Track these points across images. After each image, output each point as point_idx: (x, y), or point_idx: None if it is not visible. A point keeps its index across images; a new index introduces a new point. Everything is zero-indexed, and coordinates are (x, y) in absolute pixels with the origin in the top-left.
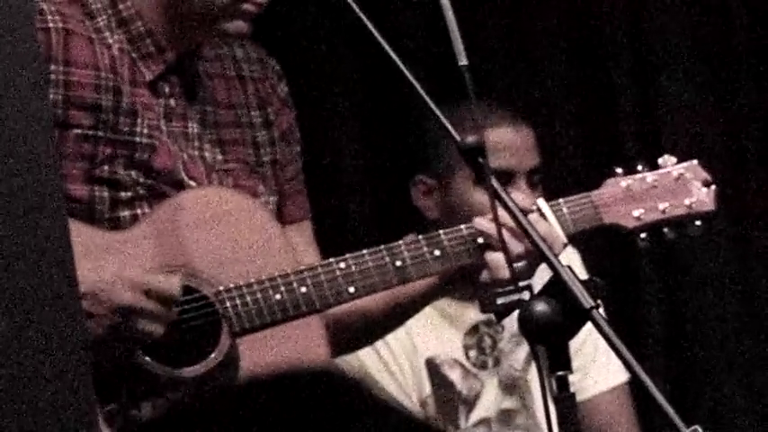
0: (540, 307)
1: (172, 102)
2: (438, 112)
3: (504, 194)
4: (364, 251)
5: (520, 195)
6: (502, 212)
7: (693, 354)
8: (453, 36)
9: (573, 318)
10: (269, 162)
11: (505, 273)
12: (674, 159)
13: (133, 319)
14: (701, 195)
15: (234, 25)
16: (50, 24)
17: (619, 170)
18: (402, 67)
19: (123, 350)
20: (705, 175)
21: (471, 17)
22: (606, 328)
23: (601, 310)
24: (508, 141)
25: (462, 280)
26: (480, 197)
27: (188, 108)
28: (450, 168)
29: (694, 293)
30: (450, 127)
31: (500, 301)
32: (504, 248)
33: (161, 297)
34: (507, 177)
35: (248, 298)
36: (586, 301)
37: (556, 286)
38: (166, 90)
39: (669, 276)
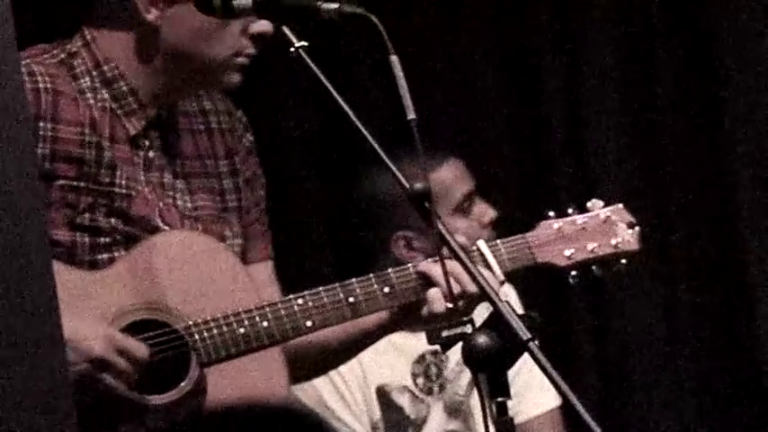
0: (482, 339)
1: (150, 154)
2: (388, 161)
3: (449, 237)
4: (320, 288)
5: (487, 208)
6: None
7: (621, 380)
8: (402, 92)
9: (511, 349)
10: (234, 208)
11: (442, 307)
12: (601, 203)
13: (102, 371)
14: (626, 236)
15: (230, 78)
16: (40, 85)
17: (551, 213)
18: (354, 119)
19: (91, 396)
20: (629, 217)
21: (412, 61)
22: (542, 358)
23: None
24: (457, 172)
25: (409, 315)
26: (461, 223)
27: (164, 159)
28: None
29: (622, 325)
30: (399, 175)
31: (445, 333)
32: (448, 287)
33: (131, 357)
34: (471, 199)
35: (215, 331)
36: (524, 333)
37: (496, 320)
38: (146, 144)
39: (598, 310)
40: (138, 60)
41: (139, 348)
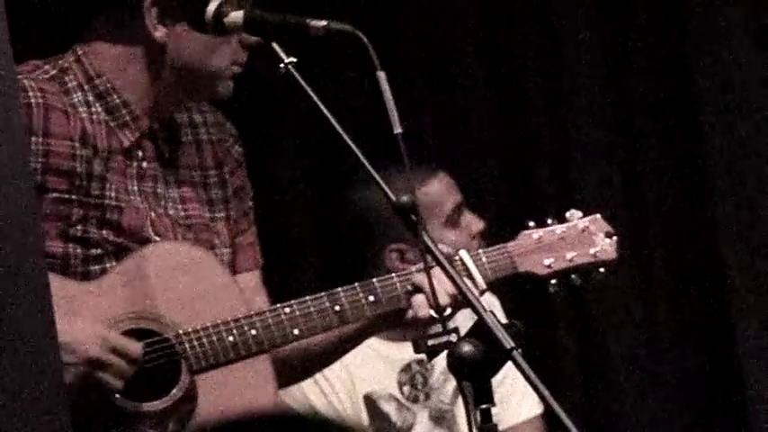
0: (467, 348)
1: (144, 164)
2: (374, 174)
3: (434, 248)
4: (307, 297)
5: (475, 219)
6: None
7: (602, 387)
8: (389, 107)
9: (495, 357)
10: (223, 218)
11: (426, 313)
12: (579, 213)
13: (99, 371)
14: (604, 245)
15: (227, 87)
16: (32, 100)
17: (531, 223)
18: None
19: (89, 397)
20: (607, 227)
21: (399, 76)
22: (525, 366)
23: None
24: (445, 185)
25: (392, 320)
26: (452, 235)
27: (157, 169)
28: None
29: (603, 334)
30: (385, 187)
31: (431, 342)
32: (433, 295)
33: (125, 356)
34: (460, 211)
35: (205, 340)
36: (507, 342)
37: (480, 329)
38: (140, 155)
39: (579, 318)
40: (137, 75)
41: (134, 347)
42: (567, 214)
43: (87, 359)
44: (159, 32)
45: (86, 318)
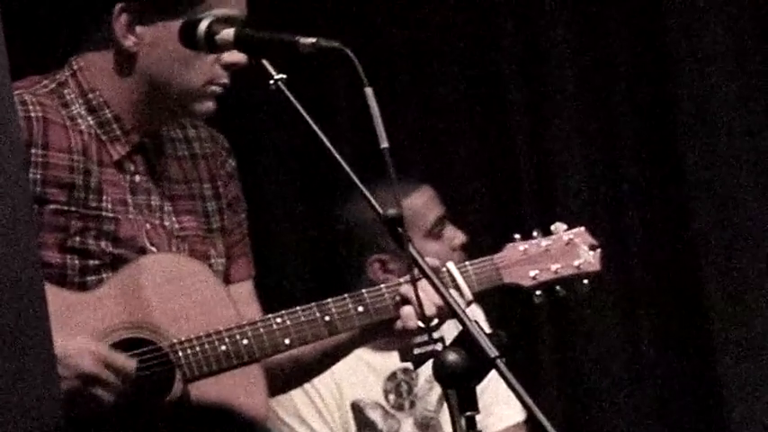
0: (452, 356)
1: (137, 178)
2: (362, 188)
3: (420, 260)
4: (298, 308)
5: (457, 232)
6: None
7: (584, 394)
8: (376, 122)
9: (480, 366)
10: (218, 229)
11: (414, 324)
12: (564, 226)
13: (91, 385)
14: (588, 257)
15: (204, 106)
16: (32, 113)
17: (517, 236)
18: (331, 148)
19: (81, 410)
20: (591, 239)
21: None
22: (508, 375)
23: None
24: (428, 198)
25: (381, 330)
26: (433, 247)
27: (150, 183)
28: None
29: (584, 342)
30: (373, 201)
31: (417, 351)
32: (420, 306)
33: (119, 371)
34: (442, 224)
35: (198, 349)
36: (491, 351)
37: (465, 339)
38: (131, 168)
39: (560, 328)
40: (120, 87)
41: (127, 363)
42: (552, 227)
43: (80, 374)
44: (129, 41)
45: (81, 330)
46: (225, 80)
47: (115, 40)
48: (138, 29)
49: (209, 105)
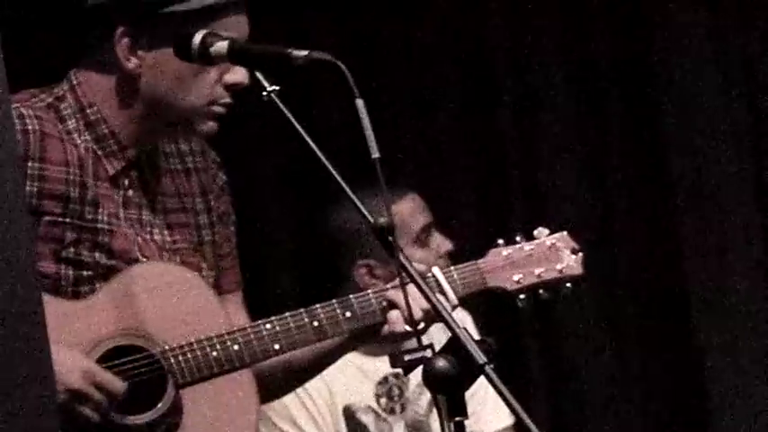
0: (441, 363)
1: (130, 192)
2: (354, 197)
3: (408, 266)
4: (287, 314)
5: (443, 239)
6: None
7: (569, 398)
8: (367, 133)
9: (468, 372)
10: (209, 242)
11: (401, 328)
12: (546, 231)
13: (78, 402)
14: (570, 261)
15: (207, 126)
16: (29, 127)
17: (500, 241)
18: (323, 158)
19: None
20: (573, 244)
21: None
22: (497, 381)
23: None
24: (415, 206)
25: (369, 335)
26: (419, 254)
27: (142, 197)
28: None
29: (569, 346)
30: (363, 209)
31: (407, 357)
32: (408, 311)
33: (107, 391)
34: (428, 231)
35: (189, 355)
36: (480, 357)
37: (454, 345)
38: (125, 183)
39: (547, 332)
40: (119, 105)
41: (115, 383)
42: (535, 232)
43: (68, 390)
44: (131, 63)
45: (75, 338)
46: (227, 100)
47: (116, 61)
48: (140, 52)
49: (212, 125)
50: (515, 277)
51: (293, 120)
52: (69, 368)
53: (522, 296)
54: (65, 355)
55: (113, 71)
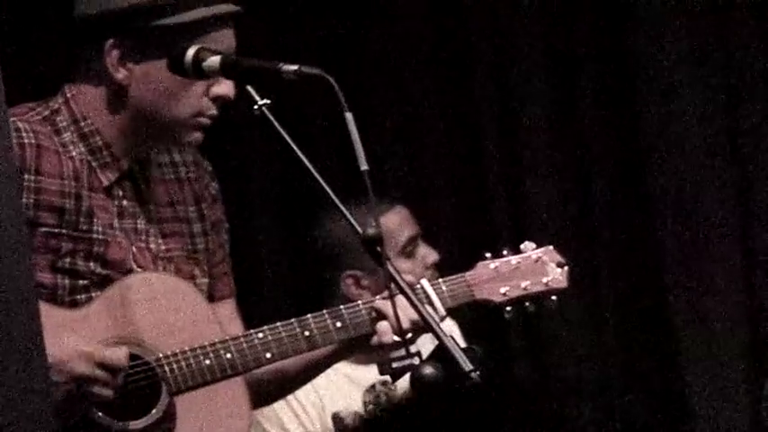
0: (429, 370)
1: (124, 202)
2: (343, 209)
3: (397, 277)
4: (278, 323)
5: (430, 251)
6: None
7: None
8: (356, 146)
9: (455, 379)
10: (202, 250)
11: (390, 338)
12: (533, 245)
13: (88, 385)
14: (556, 275)
15: (192, 137)
16: (25, 140)
17: (488, 254)
18: (313, 171)
19: (79, 412)
20: (559, 257)
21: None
22: (483, 386)
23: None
24: (401, 218)
25: (359, 344)
26: (405, 265)
27: (136, 207)
28: None
29: (555, 356)
30: (353, 221)
31: (395, 365)
32: (397, 322)
33: (110, 367)
34: (415, 243)
35: (183, 363)
36: (467, 365)
37: (441, 353)
38: (120, 193)
39: (533, 341)
40: (111, 117)
41: (118, 356)
42: (522, 246)
43: (75, 377)
44: (120, 74)
45: (71, 338)
46: (213, 111)
47: (107, 73)
48: (129, 64)
49: (197, 136)
50: (502, 290)
51: (283, 132)
52: (70, 357)
53: (508, 308)
54: (60, 349)
55: (104, 83)
